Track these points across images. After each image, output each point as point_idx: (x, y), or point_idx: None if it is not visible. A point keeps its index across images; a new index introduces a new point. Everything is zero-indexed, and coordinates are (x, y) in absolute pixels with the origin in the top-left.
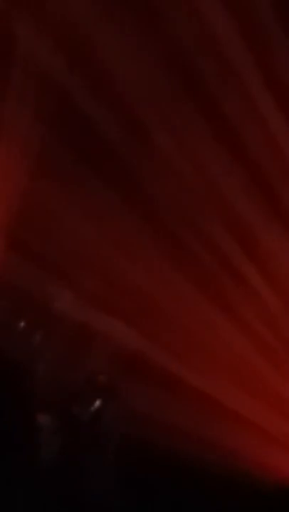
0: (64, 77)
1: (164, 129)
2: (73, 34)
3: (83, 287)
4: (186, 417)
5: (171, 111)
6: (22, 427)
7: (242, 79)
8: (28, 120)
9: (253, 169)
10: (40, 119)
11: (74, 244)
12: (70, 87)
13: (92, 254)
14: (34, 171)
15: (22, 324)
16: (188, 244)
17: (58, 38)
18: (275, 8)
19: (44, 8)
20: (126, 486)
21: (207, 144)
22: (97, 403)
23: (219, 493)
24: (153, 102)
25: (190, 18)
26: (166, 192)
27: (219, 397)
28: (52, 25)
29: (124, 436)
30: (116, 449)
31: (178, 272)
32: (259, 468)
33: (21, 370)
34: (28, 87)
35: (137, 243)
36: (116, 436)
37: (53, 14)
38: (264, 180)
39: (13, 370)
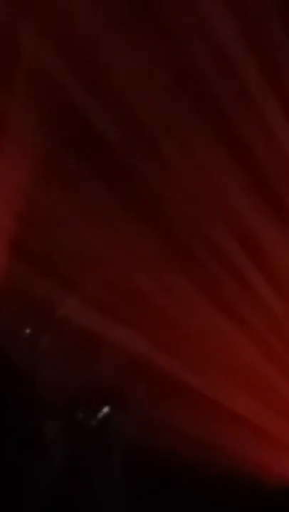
0: (67, 81)
1: (166, 133)
2: (76, 38)
3: (87, 292)
4: (191, 420)
5: (174, 113)
6: (27, 434)
7: (245, 83)
8: (31, 124)
9: (256, 172)
10: (43, 122)
11: (78, 249)
12: (72, 91)
13: (96, 258)
14: (37, 175)
15: (27, 330)
16: (193, 248)
17: (61, 42)
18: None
19: (47, 13)
20: (131, 490)
21: (209, 146)
22: (103, 409)
23: (224, 497)
24: (155, 104)
25: (191, 18)
26: (170, 196)
27: (224, 401)
28: (55, 29)
29: (129, 441)
30: (122, 454)
31: (182, 276)
32: (263, 471)
33: (26, 376)
34: (30, 90)
35: (141, 247)
36: (122, 441)
37: (55, 19)
38: (267, 183)
39: (18, 376)
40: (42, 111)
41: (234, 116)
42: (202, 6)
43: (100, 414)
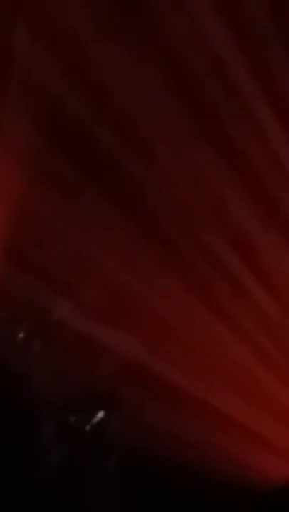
0: (62, 88)
1: (162, 140)
2: (71, 45)
3: (83, 297)
4: (188, 425)
5: (170, 122)
6: (23, 438)
7: (240, 90)
8: (27, 130)
9: (252, 179)
10: (38, 129)
11: (73, 254)
12: (67, 98)
13: (92, 264)
14: (32, 182)
15: (22, 335)
16: (189, 254)
17: (56, 49)
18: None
19: (42, 19)
20: (127, 494)
21: (205, 153)
22: (98, 413)
23: (221, 501)
24: (151, 112)
25: (186, 27)
26: (166, 202)
27: (220, 406)
28: (50, 36)
29: (125, 445)
30: (118, 458)
31: (178, 281)
32: (260, 476)
33: (22, 380)
34: (25, 97)
35: (137, 253)
36: (117, 445)
37: (50, 26)
38: (263, 190)
39: (13, 380)
40: (39, 119)
41: (232, 127)
42: (193, 8)
43: (96, 419)
